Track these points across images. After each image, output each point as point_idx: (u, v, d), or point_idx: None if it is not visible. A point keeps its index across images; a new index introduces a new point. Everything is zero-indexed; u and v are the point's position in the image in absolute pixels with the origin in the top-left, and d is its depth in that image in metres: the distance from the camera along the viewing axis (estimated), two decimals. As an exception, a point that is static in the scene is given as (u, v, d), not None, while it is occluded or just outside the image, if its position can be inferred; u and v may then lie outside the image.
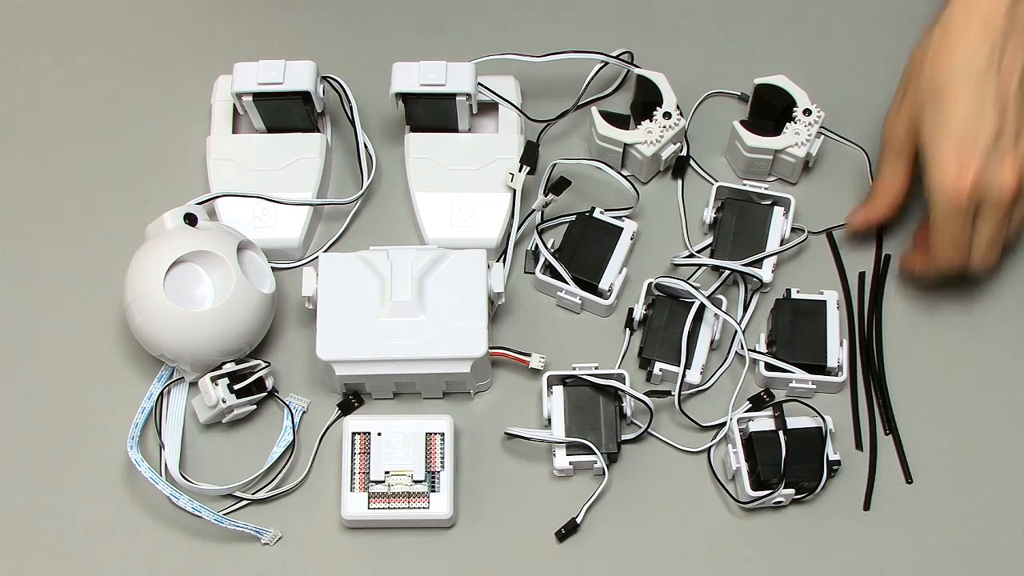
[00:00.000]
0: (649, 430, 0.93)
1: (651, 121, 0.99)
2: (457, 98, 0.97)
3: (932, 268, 0.91)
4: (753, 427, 0.91)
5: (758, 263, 0.97)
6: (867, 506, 0.92)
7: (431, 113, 0.98)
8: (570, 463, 0.91)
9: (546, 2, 1.08)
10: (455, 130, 1.00)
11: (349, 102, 1.01)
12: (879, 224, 0.97)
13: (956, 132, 0.84)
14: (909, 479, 0.92)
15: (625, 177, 0.99)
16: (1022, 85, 0.84)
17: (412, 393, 0.95)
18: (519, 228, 0.98)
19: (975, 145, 0.83)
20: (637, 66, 1.02)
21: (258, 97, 0.97)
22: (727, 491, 0.92)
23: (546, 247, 0.97)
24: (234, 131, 1.01)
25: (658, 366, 0.94)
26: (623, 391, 0.92)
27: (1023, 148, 0.85)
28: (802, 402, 0.94)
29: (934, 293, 0.98)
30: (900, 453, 0.93)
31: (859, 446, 0.93)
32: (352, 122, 1.02)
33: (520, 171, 0.98)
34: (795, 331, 0.94)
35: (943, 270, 0.91)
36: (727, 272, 0.97)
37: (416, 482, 0.90)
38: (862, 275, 0.98)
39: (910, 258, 0.95)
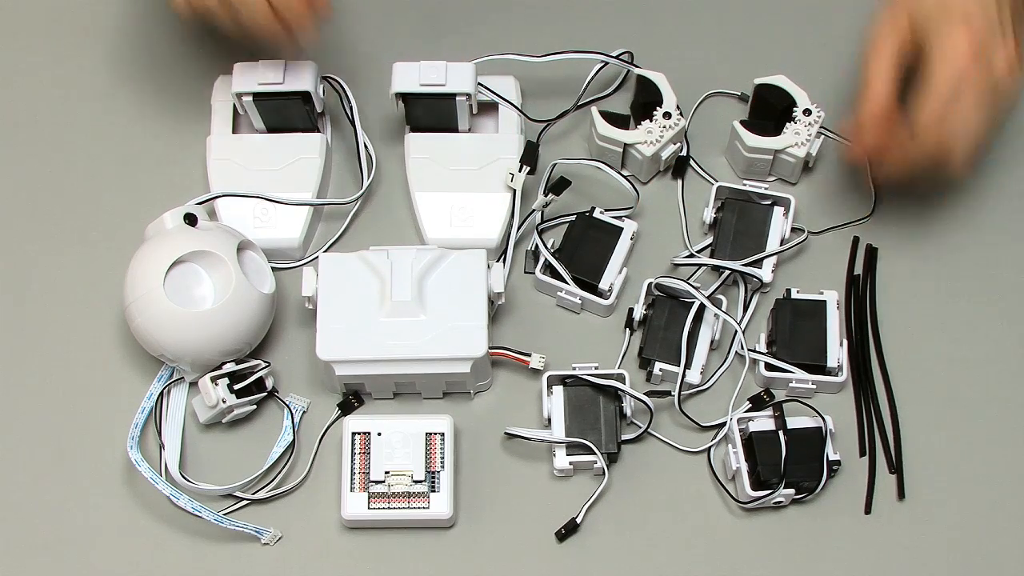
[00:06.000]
0: (649, 430, 0.93)
1: (651, 121, 0.99)
2: (457, 98, 0.97)
3: (913, 153, 0.90)
4: (753, 427, 0.91)
5: (758, 263, 0.97)
6: (868, 510, 0.92)
7: (431, 113, 0.98)
8: (570, 463, 0.91)
9: (546, 2, 1.08)
10: (455, 130, 1.00)
11: (349, 102, 1.01)
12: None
13: (962, 11, 0.88)
14: (902, 495, 0.92)
15: (625, 177, 0.99)
16: None
17: (412, 393, 0.95)
18: (519, 228, 0.98)
19: (981, 25, 0.87)
20: (637, 66, 1.02)
21: (258, 97, 0.97)
22: (727, 491, 0.92)
23: (546, 247, 0.97)
24: (234, 131, 1.01)
25: (658, 366, 0.94)
26: (623, 391, 0.92)
27: (1010, 44, 0.89)
28: (802, 402, 0.93)
29: (933, 292, 0.98)
30: (898, 464, 0.93)
31: (863, 452, 0.93)
32: (352, 122, 1.02)
33: (520, 171, 0.98)
34: (795, 331, 0.94)
35: (925, 154, 0.89)
36: (727, 272, 0.97)
37: (416, 482, 0.90)
38: (857, 276, 0.98)
39: (867, 150, 0.92)
